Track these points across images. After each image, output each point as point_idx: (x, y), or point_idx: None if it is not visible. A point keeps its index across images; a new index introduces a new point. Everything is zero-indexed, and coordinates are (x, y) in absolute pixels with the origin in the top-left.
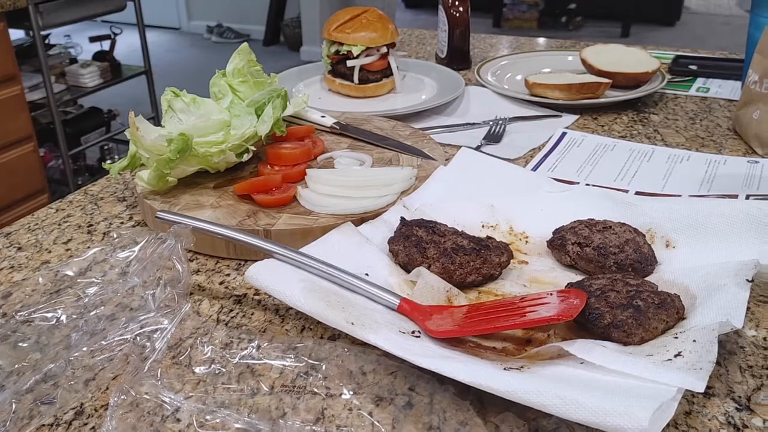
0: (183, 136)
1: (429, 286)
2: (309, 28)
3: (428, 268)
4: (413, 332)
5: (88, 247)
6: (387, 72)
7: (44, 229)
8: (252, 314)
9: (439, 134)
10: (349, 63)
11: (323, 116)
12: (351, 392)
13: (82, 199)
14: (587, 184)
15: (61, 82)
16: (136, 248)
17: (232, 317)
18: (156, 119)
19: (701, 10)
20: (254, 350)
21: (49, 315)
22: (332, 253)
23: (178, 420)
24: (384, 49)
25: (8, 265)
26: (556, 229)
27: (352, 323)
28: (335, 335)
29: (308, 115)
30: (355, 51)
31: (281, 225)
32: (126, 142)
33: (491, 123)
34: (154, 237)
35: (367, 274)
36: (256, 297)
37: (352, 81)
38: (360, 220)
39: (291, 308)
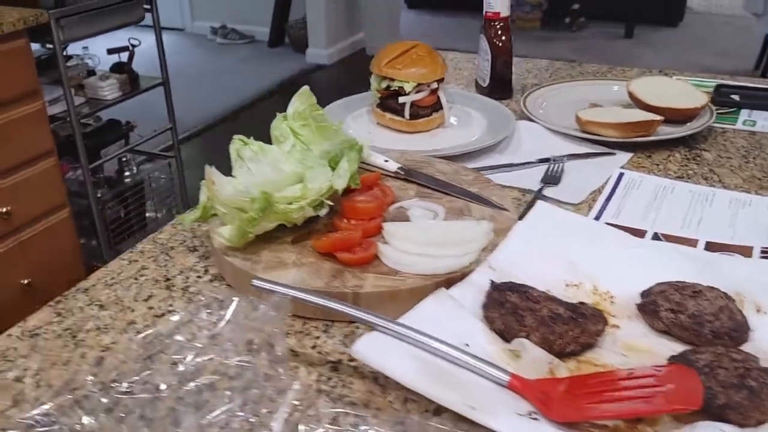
0: (266, 195)
1: (533, 359)
2: (314, 29)
3: (526, 337)
4: (530, 413)
5: (171, 305)
6: (437, 106)
7: (122, 284)
8: (351, 383)
9: (496, 174)
10: (401, 99)
11: (386, 161)
12: None
13: (152, 249)
14: (656, 233)
15: (80, 95)
16: (227, 312)
17: (333, 387)
18: (174, 131)
19: (703, 10)
20: (364, 427)
21: (148, 385)
22: (430, 323)
23: None
24: (434, 85)
25: (94, 326)
26: (644, 292)
27: (473, 407)
28: (440, 408)
29: (371, 159)
30: (407, 87)
31: (369, 287)
32: (144, 153)
33: (549, 163)
34: (245, 300)
35: (467, 345)
36: (352, 363)
37: (403, 116)
38: (446, 280)
39: (389, 377)
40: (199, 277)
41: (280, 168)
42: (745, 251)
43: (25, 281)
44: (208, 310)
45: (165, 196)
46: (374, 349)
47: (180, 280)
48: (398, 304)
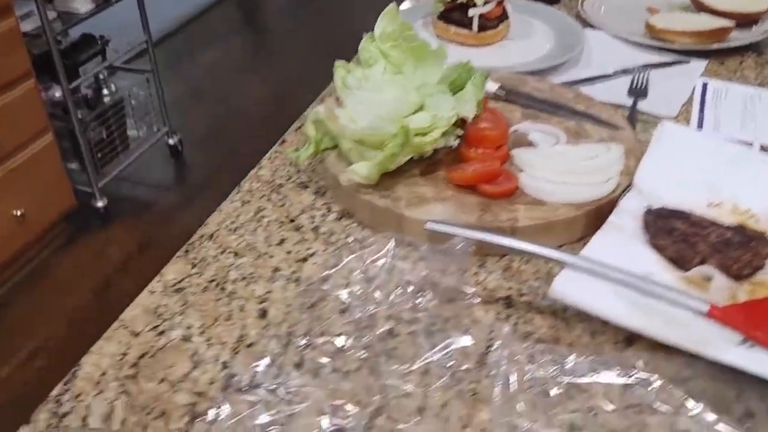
0: (405, 129)
1: (719, 286)
2: None
3: (701, 263)
4: (742, 342)
5: (309, 249)
6: (503, 17)
7: (245, 228)
8: (532, 320)
9: (584, 88)
10: (471, 12)
11: (500, 87)
12: (697, 407)
13: (260, 187)
14: (762, 145)
15: (49, 9)
16: (384, 254)
17: (514, 324)
18: (149, 44)
19: None
20: (570, 365)
21: (326, 337)
22: (607, 256)
23: None
24: None
25: (239, 276)
26: None
27: (697, 342)
28: (631, 338)
29: None
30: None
31: (524, 220)
32: (123, 70)
33: (632, 74)
34: (398, 240)
35: (648, 274)
36: (524, 299)
37: (470, 28)
38: (595, 209)
39: (569, 310)
40: (323, 215)
41: (400, 97)
42: None
43: (18, 212)
44: (358, 252)
45: (145, 113)
46: (572, 287)
47: (305, 220)
48: (552, 236)
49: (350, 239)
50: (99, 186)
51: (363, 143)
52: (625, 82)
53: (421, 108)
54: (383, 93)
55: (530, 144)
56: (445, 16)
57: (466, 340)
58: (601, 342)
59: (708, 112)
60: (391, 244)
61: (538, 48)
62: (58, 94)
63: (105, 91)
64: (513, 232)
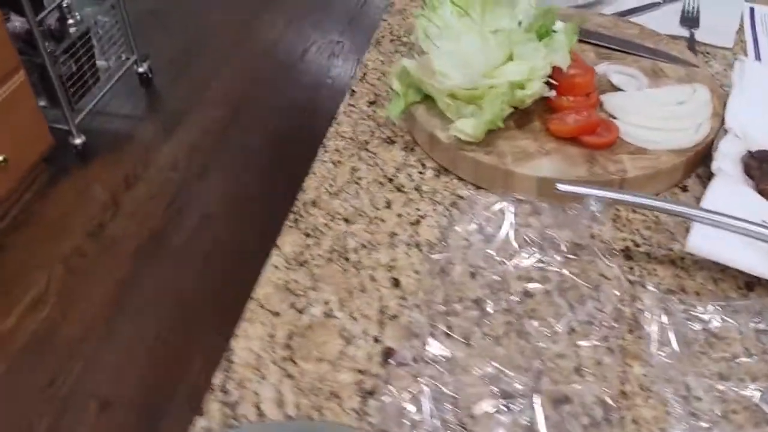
0: (511, 84)
1: None
2: None
3: None
4: None
5: (418, 210)
6: None
7: (346, 191)
8: (654, 270)
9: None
10: None
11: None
12: None
13: (345, 145)
14: None
15: None
16: (506, 216)
17: (639, 276)
18: None
19: None
20: (704, 314)
21: (471, 303)
22: (727, 206)
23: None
24: None
25: (359, 244)
26: None
27: None
28: (751, 284)
29: None
30: None
31: (632, 170)
32: None
33: (682, 2)
34: (512, 200)
35: (764, 221)
36: (641, 249)
37: None
38: (695, 154)
39: (687, 257)
40: (420, 173)
41: (484, 46)
42: None
43: (0, 158)
44: (470, 212)
45: (112, 42)
46: (706, 241)
47: (404, 179)
48: (656, 184)
49: (456, 198)
50: (75, 123)
51: (457, 97)
52: (672, 9)
53: (510, 58)
54: (461, 41)
55: (613, 87)
56: None
57: (601, 296)
58: (725, 288)
59: (762, 41)
60: (506, 202)
61: None
62: (18, 24)
63: (70, 21)
64: (622, 183)
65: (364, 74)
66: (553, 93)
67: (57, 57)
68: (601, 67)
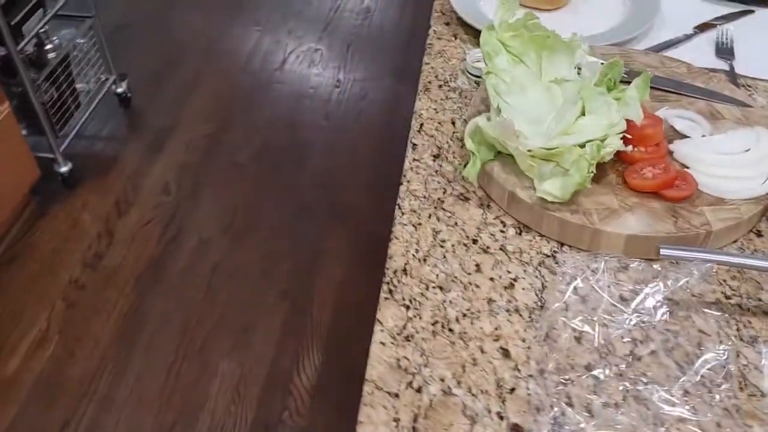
0: (598, 145)
1: None
2: None
3: None
4: None
5: (509, 272)
6: None
7: (432, 255)
8: (750, 322)
9: (659, 54)
10: None
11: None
12: None
13: (422, 204)
14: None
15: None
16: (596, 275)
17: (738, 330)
18: None
19: None
20: None
21: (584, 371)
22: None
23: None
24: None
25: (459, 314)
26: None
27: None
28: None
29: None
30: None
31: (717, 223)
32: (64, 17)
33: (715, 31)
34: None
35: None
36: (732, 301)
37: None
38: None
39: None
40: (502, 232)
41: (554, 100)
42: None
43: None
44: (560, 272)
45: (89, 64)
46: None
47: (488, 240)
48: (737, 233)
49: (543, 257)
50: (60, 150)
51: (536, 156)
52: (705, 40)
53: (582, 113)
54: (527, 95)
55: (677, 133)
56: None
57: (706, 354)
58: None
59: None
60: (597, 260)
61: (610, 10)
62: None
63: (49, 46)
64: (707, 236)
65: (421, 125)
66: (629, 148)
67: (39, 85)
68: (662, 113)
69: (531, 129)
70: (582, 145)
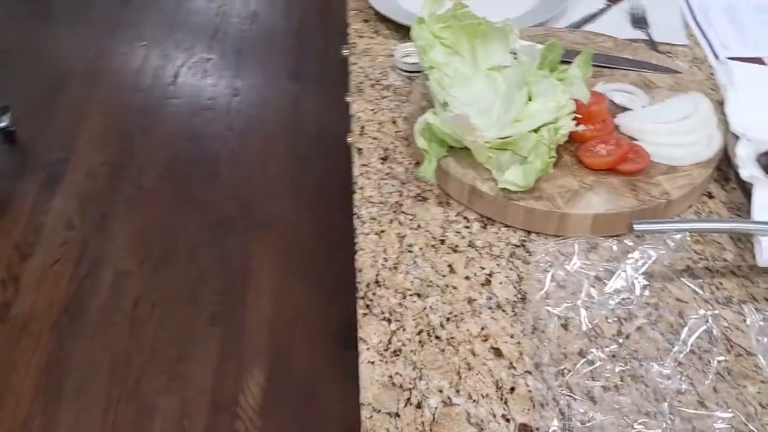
0: (555, 128)
1: None
2: None
3: None
4: None
5: (483, 268)
6: None
7: (402, 262)
8: (721, 284)
9: (581, 31)
10: None
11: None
12: None
13: (379, 211)
14: None
15: None
16: (570, 260)
17: (713, 293)
18: None
19: None
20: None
21: (577, 358)
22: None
23: None
24: None
25: (442, 319)
26: None
27: None
28: None
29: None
30: None
31: (674, 191)
32: None
33: (628, 4)
34: (585, 242)
35: None
36: (700, 265)
37: None
38: (717, 163)
39: (743, 265)
40: (467, 227)
41: (498, 88)
42: None
43: None
44: (534, 261)
45: None
46: None
47: (455, 238)
48: (692, 198)
49: (513, 247)
50: None
51: (494, 147)
52: (618, 12)
53: (530, 98)
54: (471, 86)
55: (618, 107)
56: None
57: (689, 322)
58: None
59: (710, 33)
60: (571, 245)
61: None
62: None
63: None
64: (668, 205)
65: (362, 128)
66: (581, 127)
67: None
68: (599, 88)
69: (482, 120)
70: (536, 130)
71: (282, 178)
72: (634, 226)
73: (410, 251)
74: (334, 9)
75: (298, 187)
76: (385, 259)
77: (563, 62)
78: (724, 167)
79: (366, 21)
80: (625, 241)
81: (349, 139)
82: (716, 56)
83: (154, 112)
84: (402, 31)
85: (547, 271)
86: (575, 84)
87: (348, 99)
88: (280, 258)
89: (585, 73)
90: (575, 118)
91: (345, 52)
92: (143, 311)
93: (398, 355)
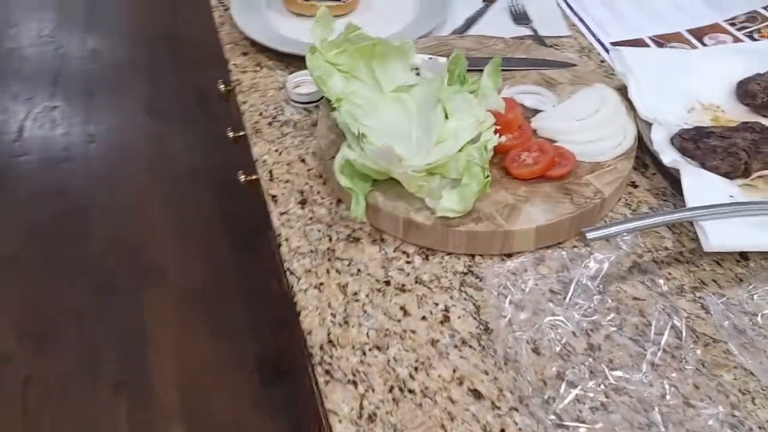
0: (484, 146)
1: None
2: None
3: (746, 167)
4: None
5: (436, 304)
6: None
7: (351, 314)
8: (671, 274)
9: (471, 34)
10: None
11: (430, 57)
12: None
13: (312, 262)
14: (650, 36)
15: None
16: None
17: (665, 285)
18: None
19: None
20: (747, 303)
21: (555, 383)
22: (703, 193)
23: None
24: None
25: (410, 369)
26: (739, 93)
27: None
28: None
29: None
30: None
31: (606, 188)
32: None
33: (506, 1)
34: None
35: (731, 196)
36: (645, 259)
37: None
38: (636, 153)
39: (684, 250)
40: (409, 262)
41: (409, 110)
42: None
43: None
44: (487, 287)
45: None
46: (721, 235)
47: (399, 276)
48: (622, 190)
49: (461, 275)
50: None
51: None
52: (498, 11)
53: (447, 116)
54: (379, 111)
55: (528, 110)
56: None
57: (652, 320)
58: (728, 267)
59: (587, 19)
60: (517, 261)
61: (402, 8)
62: None
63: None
64: (603, 203)
65: (270, 173)
66: (504, 138)
67: None
68: (506, 93)
69: (403, 148)
70: (461, 150)
71: (161, 223)
72: (587, 235)
73: (357, 300)
74: (181, 36)
75: (180, 230)
76: (333, 315)
77: (474, 71)
78: (640, 154)
79: (245, 54)
80: (574, 248)
81: (241, 178)
82: (601, 43)
83: (4, 174)
84: (286, 60)
85: (504, 295)
86: (488, 95)
87: (229, 134)
88: (174, 308)
89: (496, 82)
90: (496, 131)
91: (221, 87)
92: (35, 395)
93: (374, 421)
